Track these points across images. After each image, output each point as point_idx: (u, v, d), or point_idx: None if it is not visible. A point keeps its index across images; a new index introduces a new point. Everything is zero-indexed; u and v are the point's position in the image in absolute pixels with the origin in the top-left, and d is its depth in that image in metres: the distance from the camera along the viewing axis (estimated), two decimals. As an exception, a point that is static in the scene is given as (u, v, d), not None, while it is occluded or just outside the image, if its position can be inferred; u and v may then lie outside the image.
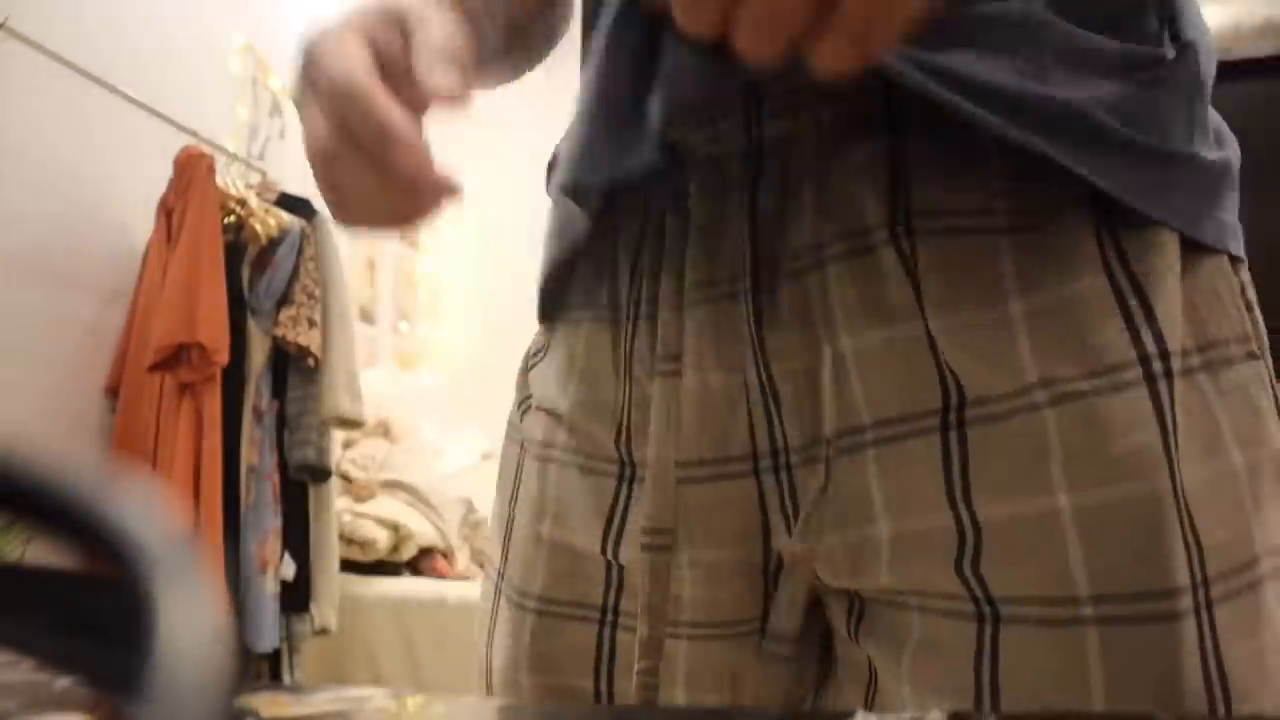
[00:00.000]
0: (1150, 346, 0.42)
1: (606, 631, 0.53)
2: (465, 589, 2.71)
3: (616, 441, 0.52)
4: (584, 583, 0.54)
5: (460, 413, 3.73)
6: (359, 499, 2.83)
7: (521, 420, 0.58)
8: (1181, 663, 0.41)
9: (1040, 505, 0.42)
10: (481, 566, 2.91)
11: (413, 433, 3.14)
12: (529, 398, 0.58)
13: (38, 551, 0.14)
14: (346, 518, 2.72)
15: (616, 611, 0.53)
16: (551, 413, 0.55)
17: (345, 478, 2.85)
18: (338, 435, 2.65)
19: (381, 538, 2.74)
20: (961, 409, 0.44)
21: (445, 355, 4.19)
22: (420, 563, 2.83)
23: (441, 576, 2.80)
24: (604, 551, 0.52)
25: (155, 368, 2.11)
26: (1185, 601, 0.41)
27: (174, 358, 2.12)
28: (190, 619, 0.11)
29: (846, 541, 0.46)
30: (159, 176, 2.30)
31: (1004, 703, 0.43)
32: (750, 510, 0.49)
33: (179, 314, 2.10)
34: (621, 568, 0.52)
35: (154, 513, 0.13)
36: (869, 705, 0.49)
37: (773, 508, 0.49)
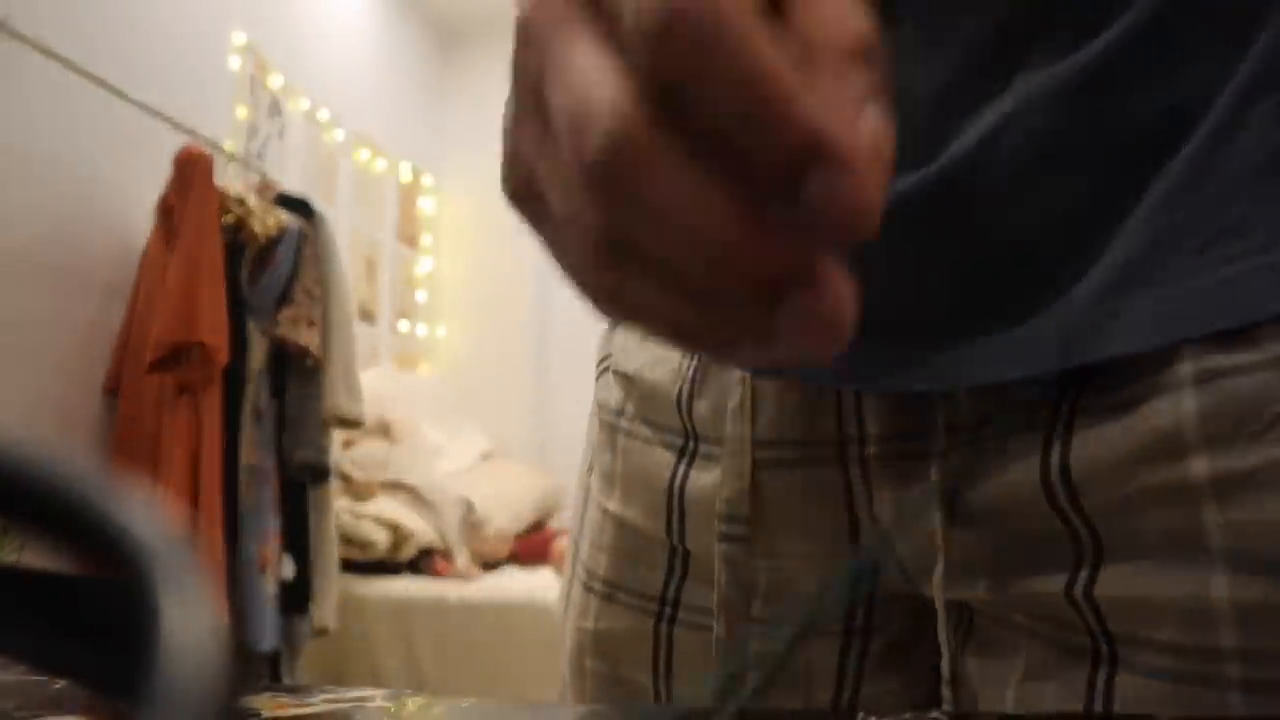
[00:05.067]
0: None
1: (664, 627, 0.47)
2: (465, 589, 2.71)
3: (678, 403, 0.46)
4: (645, 569, 0.48)
5: (460, 413, 3.73)
6: (359, 499, 2.83)
7: (598, 383, 0.52)
8: None
9: (1176, 516, 0.33)
10: (482, 567, 2.91)
11: (413, 433, 3.13)
12: (608, 357, 0.52)
13: (34, 554, 0.14)
14: (346, 518, 2.72)
15: (676, 605, 0.47)
16: (624, 375, 0.50)
17: (345, 478, 2.85)
18: (338, 435, 2.65)
19: (381, 538, 2.73)
20: (1076, 399, 0.36)
21: (445, 355, 4.19)
22: (420, 563, 2.83)
23: (441, 576, 2.80)
24: (669, 534, 0.47)
25: (155, 368, 2.11)
26: None
27: (173, 357, 2.12)
28: (191, 621, 0.11)
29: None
30: (158, 176, 2.30)
31: None
32: (836, 502, 0.43)
33: (178, 313, 2.10)
34: (688, 554, 0.47)
35: (152, 514, 0.13)
36: None
37: (859, 503, 0.43)
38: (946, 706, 0.41)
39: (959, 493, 0.39)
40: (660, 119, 0.19)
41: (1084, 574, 0.35)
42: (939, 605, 0.40)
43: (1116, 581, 0.34)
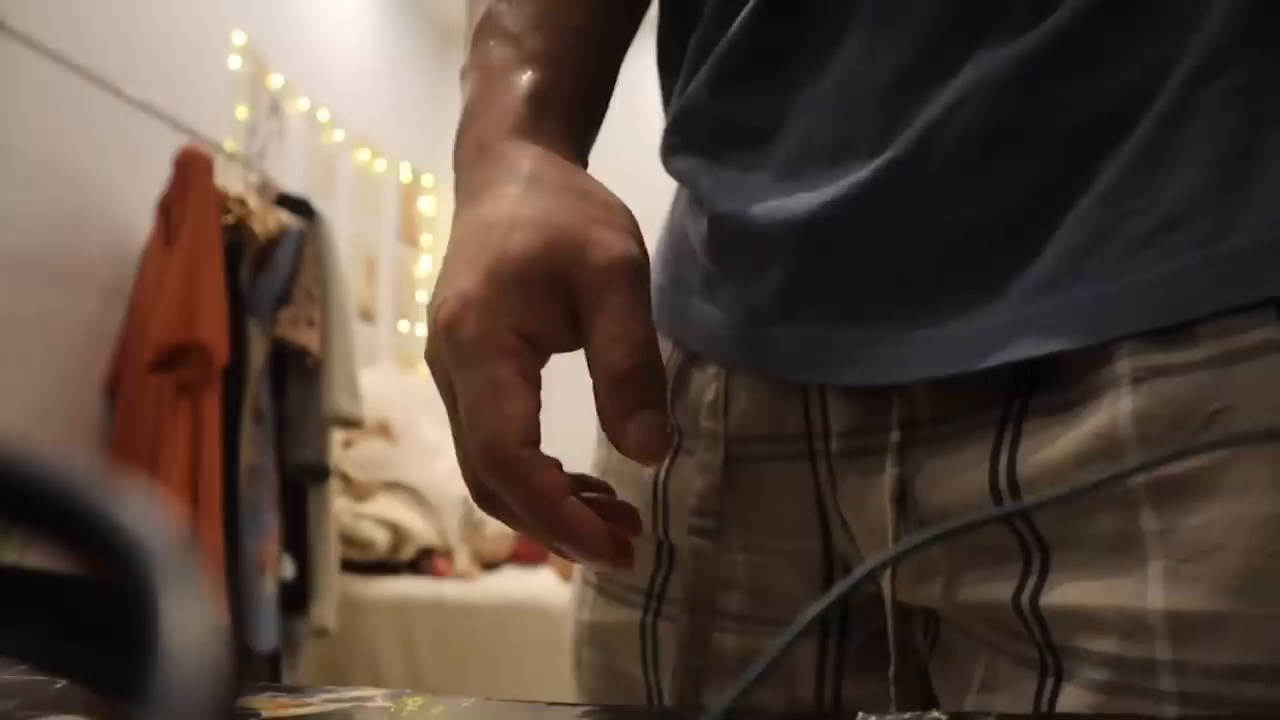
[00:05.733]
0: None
1: (649, 620, 0.48)
2: (465, 589, 2.71)
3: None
4: (636, 561, 0.49)
5: (460, 412, 3.73)
6: (359, 499, 2.83)
7: None
8: None
9: (1115, 521, 0.32)
10: (482, 567, 2.91)
11: (413, 433, 3.13)
12: None
13: (35, 554, 0.14)
14: (346, 518, 2.72)
15: (661, 598, 0.48)
16: None
17: (345, 478, 2.85)
18: (337, 435, 2.65)
19: (381, 538, 2.73)
20: (1028, 397, 0.35)
21: (445, 355, 4.19)
22: (420, 563, 2.83)
23: (441, 576, 2.80)
24: (655, 528, 0.47)
25: (154, 368, 2.11)
26: None
27: (173, 358, 2.12)
28: (191, 621, 0.11)
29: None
30: (158, 175, 2.30)
31: None
32: (805, 497, 0.43)
33: (178, 314, 2.10)
34: (673, 548, 0.47)
35: (152, 514, 0.13)
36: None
37: (826, 498, 0.43)
38: (936, 713, 0.39)
39: (914, 493, 0.38)
40: (488, 492, 0.35)
41: (1031, 582, 0.34)
42: (887, 605, 0.40)
43: (1060, 591, 0.33)
